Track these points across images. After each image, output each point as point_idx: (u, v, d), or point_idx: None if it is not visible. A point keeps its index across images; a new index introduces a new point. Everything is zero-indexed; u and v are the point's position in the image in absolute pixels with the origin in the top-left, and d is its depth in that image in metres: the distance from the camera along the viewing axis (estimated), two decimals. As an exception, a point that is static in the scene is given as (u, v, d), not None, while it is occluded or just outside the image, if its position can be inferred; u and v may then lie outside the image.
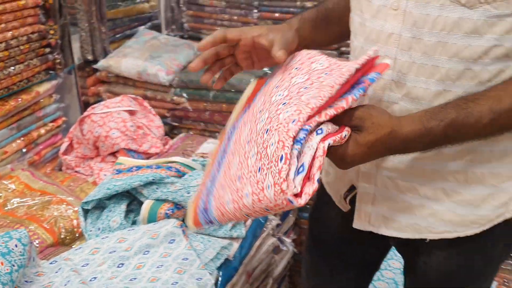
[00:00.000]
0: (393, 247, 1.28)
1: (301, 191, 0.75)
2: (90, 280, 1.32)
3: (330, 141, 0.78)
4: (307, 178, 0.76)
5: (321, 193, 1.27)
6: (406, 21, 0.92)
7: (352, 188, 1.12)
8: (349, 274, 1.35)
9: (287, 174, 0.74)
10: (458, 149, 0.96)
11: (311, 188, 0.75)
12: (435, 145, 0.89)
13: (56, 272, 1.34)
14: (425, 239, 1.06)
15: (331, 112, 0.78)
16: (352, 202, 1.13)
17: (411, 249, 1.15)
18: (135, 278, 1.33)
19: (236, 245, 1.56)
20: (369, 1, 0.97)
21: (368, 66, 0.84)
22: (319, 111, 0.78)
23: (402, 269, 1.86)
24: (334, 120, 0.80)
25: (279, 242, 2.00)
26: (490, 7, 0.85)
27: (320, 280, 1.39)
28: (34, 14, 1.90)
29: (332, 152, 0.81)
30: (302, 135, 0.76)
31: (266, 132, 0.80)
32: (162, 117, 2.23)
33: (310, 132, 0.78)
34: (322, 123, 0.79)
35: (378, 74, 0.82)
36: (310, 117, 0.77)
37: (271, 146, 0.77)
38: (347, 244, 1.28)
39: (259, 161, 0.80)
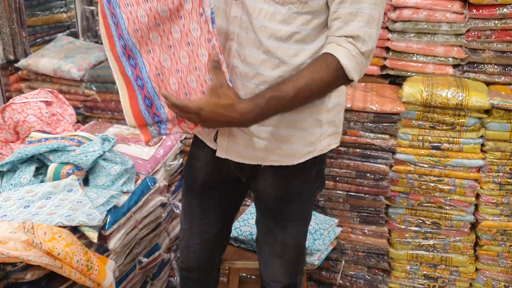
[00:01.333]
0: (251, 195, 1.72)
1: None
2: (1, 217, 1.69)
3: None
4: None
5: (192, 150, 1.71)
6: (243, 8, 1.37)
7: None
8: (217, 212, 1.77)
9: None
10: None
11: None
12: (265, 115, 1.32)
13: (-26, 213, 1.70)
14: (260, 165, 1.52)
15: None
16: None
17: (254, 178, 1.59)
18: (37, 214, 1.70)
19: (125, 196, 1.96)
20: None
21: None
22: None
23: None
24: None
25: (173, 206, 2.42)
26: (293, 6, 1.32)
27: (193, 219, 1.79)
28: (-40, 18, 2.27)
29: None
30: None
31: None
32: (76, 108, 2.62)
33: None
34: None
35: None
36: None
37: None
38: (214, 188, 1.70)
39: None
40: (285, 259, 1.72)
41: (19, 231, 1.50)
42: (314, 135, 1.49)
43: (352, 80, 1.33)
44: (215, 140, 1.55)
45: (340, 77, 1.32)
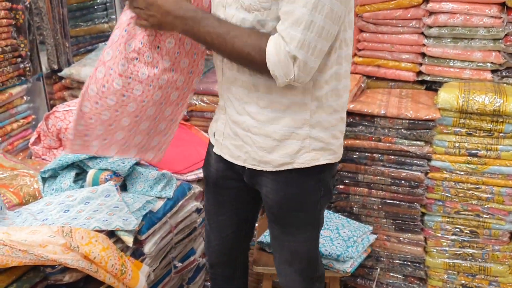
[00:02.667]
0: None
1: None
2: (43, 220, 1.76)
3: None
4: None
5: (208, 146, 1.78)
6: (225, 14, 1.45)
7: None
8: (232, 211, 1.81)
9: None
10: (260, 110, 1.49)
11: None
12: (181, 26, 1.42)
13: (18, 217, 1.79)
14: (259, 170, 1.57)
15: None
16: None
17: (257, 184, 1.63)
18: (75, 218, 1.77)
19: (161, 202, 2.01)
20: (213, 0, 1.51)
21: None
22: None
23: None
24: None
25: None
26: (259, 13, 1.39)
27: (210, 214, 1.86)
28: (7, 31, 2.39)
29: None
30: None
31: None
32: (116, 115, 2.70)
33: None
34: None
35: None
36: None
37: None
38: (226, 187, 1.75)
39: None
40: (296, 266, 1.73)
41: (57, 235, 1.56)
42: (290, 147, 1.52)
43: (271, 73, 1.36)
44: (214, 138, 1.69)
45: (257, 57, 1.35)
